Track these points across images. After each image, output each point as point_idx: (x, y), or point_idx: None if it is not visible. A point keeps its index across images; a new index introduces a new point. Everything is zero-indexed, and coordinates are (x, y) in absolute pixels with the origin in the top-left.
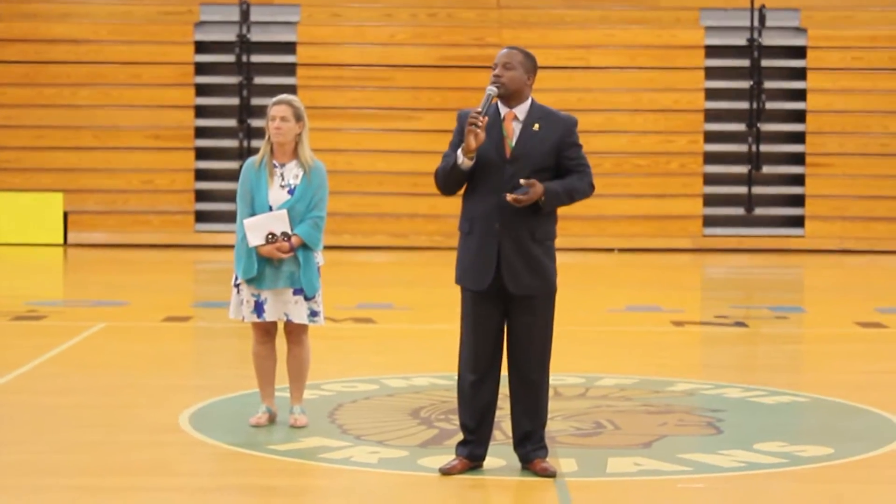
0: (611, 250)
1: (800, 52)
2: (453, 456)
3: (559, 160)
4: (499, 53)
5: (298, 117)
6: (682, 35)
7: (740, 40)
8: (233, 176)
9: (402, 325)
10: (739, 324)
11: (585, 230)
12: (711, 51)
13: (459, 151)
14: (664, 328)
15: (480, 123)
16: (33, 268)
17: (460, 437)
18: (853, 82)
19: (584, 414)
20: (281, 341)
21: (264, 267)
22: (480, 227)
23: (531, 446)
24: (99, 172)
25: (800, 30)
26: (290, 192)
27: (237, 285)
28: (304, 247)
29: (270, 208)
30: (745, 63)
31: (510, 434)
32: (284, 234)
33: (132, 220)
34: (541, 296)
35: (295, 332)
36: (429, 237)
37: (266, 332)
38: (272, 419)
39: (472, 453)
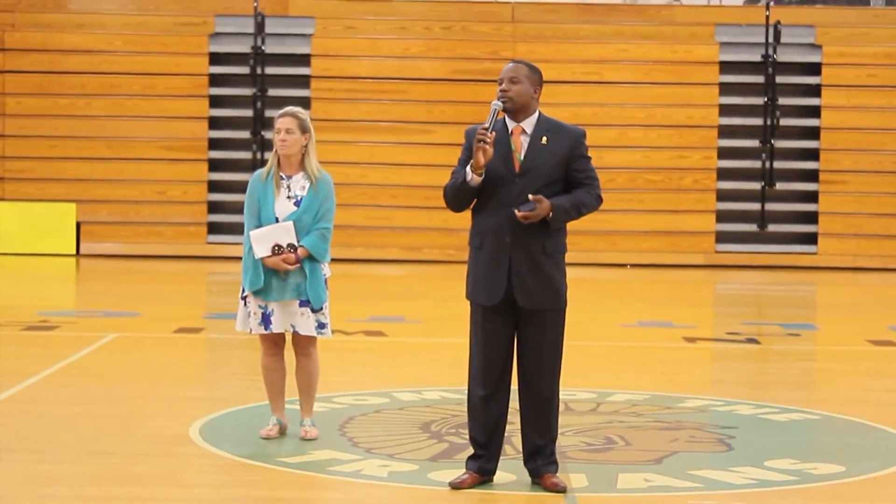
0: (623, 265)
1: (815, 68)
2: (463, 470)
3: (568, 173)
4: (504, 68)
5: (304, 129)
6: (696, 51)
7: (755, 56)
8: (246, 188)
9: (413, 339)
10: (751, 340)
11: (598, 245)
12: (726, 67)
13: (468, 168)
14: (676, 344)
15: (488, 139)
16: (45, 278)
17: (470, 451)
18: (868, 99)
19: (594, 429)
20: (290, 354)
21: (271, 279)
22: (491, 242)
23: (541, 461)
24: (112, 183)
25: (815, 46)
26: (297, 203)
27: (244, 297)
28: (311, 258)
29: (277, 220)
30: (760, 79)
31: (521, 449)
32: (291, 245)
33: (145, 230)
34: (551, 310)
35: (303, 345)
36: (441, 251)
37: (274, 343)
38: (283, 431)
39: (483, 468)
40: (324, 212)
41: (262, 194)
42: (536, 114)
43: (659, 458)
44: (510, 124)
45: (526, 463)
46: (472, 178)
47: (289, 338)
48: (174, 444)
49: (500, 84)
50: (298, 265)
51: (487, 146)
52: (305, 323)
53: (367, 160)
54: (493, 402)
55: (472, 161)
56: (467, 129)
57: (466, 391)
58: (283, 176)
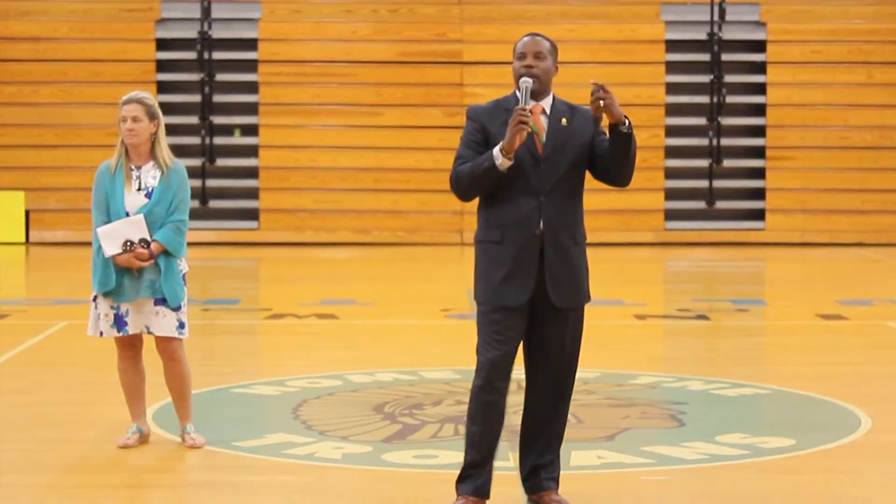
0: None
1: (760, 46)
2: (457, 497)
3: (594, 148)
4: (524, 41)
5: (152, 115)
6: (642, 30)
7: (700, 35)
8: (195, 173)
9: (365, 321)
10: (701, 317)
11: None
12: (672, 45)
13: (497, 151)
14: (627, 322)
15: (529, 119)
16: None
17: (427, 433)
18: (813, 76)
19: None
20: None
21: (122, 278)
22: (517, 235)
23: (545, 475)
24: (60, 170)
25: (759, 24)
26: (148, 195)
27: (94, 299)
28: (166, 253)
29: (127, 215)
30: (706, 57)
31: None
32: (143, 240)
33: None
34: (579, 307)
35: (166, 348)
36: (392, 233)
37: (130, 346)
38: (144, 439)
39: (480, 488)
40: (177, 203)
41: (109, 188)
42: (552, 94)
43: (611, 434)
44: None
45: (525, 480)
46: (503, 161)
47: (153, 343)
48: (127, 430)
49: (523, 59)
50: (152, 261)
51: (527, 127)
52: (163, 323)
53: (316, 143)
54: (500, 412)
55: (503, 143)
56: (470, 109)
57: (470, 404)
58: (133, 167)
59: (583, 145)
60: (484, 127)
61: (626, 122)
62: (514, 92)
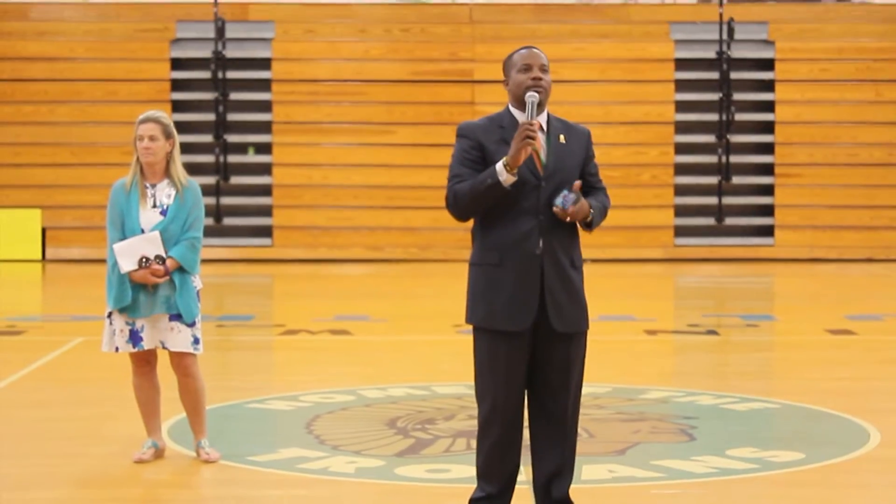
0: (584, 261)
1: (768, 64)
2: None
3: (582, 176)
4: (525, 53)
5: (168, 135)
6: (652, 48)
7: (710, 53)
8: (209, 191)
9: (378, 337)
10: (711, 332)
11: None
12: (681, 64)
13: (501, 167)
14: (637, 337)
15: (536, 136)
16: (12, 283)
17: (439, 448)
18: (821, 93)
19: None
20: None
21: (138, 294)
22: (517, 256)
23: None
24: (76, 189)
25: (768, 42)
26: (163, 213)
27: (109, 315)
28: (181, 270)
29: (142, 232)
30: (715, 75)
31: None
32: (158, 257)
33: None
34: (581, 332)
35: (181, 364)
36: (404, 249)
37: (146, 361)
38: (159, 454)
39: None
40: (192, 221)
41: (125, 205)
42: (546, 110)
43: (622, 449)
44: (522, 118)
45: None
46: (507, 177)
47: (168, 360)
48: (142, 445)
49: (529, 71)
50: (167, 278)
51: (533, 142)
52: (178, 339)
53: (329, 161)
54: (512, 446)
55: (507, 158)
56: (463, 126)
57: (478, 435)
58: (148, 185)
59: (578, 165)
60: (481, 144)
61: (592, 213)
62: (507, 108)
